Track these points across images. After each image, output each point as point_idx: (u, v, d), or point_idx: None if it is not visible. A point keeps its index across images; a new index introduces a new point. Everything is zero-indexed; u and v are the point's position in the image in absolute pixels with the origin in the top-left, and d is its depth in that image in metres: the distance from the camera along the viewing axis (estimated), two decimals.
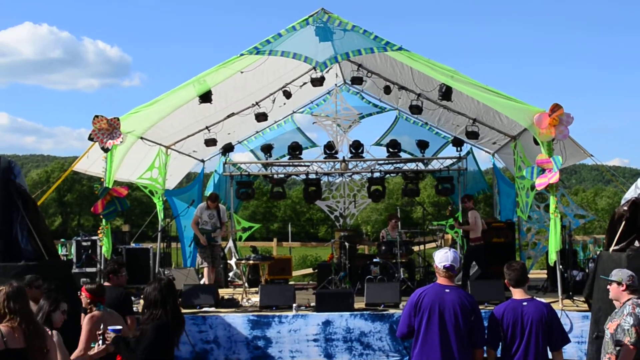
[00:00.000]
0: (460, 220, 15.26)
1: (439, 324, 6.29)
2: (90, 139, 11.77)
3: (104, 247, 11.77)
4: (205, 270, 14.29)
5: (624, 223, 9.80)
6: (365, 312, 11.11)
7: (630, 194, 10.13)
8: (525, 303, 6.53)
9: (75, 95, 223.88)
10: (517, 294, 6.64)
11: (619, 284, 6.77)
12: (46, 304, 6.89)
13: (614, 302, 6.88)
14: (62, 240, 16.16)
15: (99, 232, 12.02)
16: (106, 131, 11.66)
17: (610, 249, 9.84)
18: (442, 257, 6.50)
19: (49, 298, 7.00)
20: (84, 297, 7.71)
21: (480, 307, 11.03)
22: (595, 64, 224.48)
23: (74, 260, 13.68)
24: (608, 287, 6.96)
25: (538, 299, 6.93)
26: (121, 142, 11.75)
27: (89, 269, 13.40)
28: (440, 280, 6.52)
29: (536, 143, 11.56)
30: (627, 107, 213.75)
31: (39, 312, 6.77)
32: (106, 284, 8.66)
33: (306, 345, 10.93)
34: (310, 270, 22.40)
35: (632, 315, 6.48)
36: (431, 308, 6.33)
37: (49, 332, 6.44)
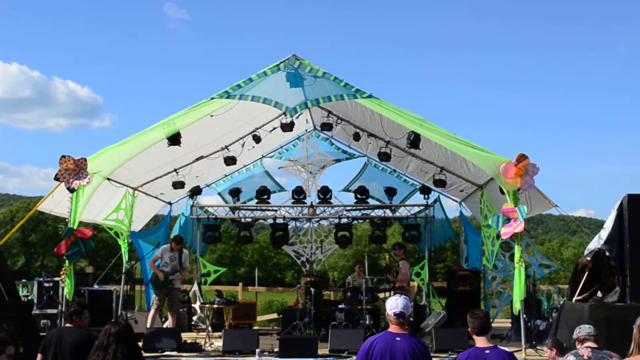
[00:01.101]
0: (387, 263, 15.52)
1: None
2: (57, 179, 11.69)
3: (66, 288, 11.62)
4: (151, 312, 13.98)
5: (587, 273, 9.91)
6: (329, 358, 11.06)
7: (593, 245, 10.26)
8: (487, 351, 6.52)
9: (44, 135, 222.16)
10: (480, 342, 6.64)
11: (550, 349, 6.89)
12: None
13: None
14: (24, 280, 15.89)
15: (61, 273, 11.88)
16: (73, 171, 11.59)
17: (574, 299, 9.93)
18: (393, 305, 6.49)
19: None
20: None
21: (444, 355, 11.11)
22: (562, 116, 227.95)
23: (35, 301, 13.47)
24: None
25: (501, 347, 6.94)
26: (87, 182, 11.68)
27: (50, 311, 13.19)
28: (392, 328, 6.49)
29: (502, 192, 11.67)
30: (594, 159, 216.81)
31: None
32: (68, 325, 8.53)
33: None
34: (275, 316, 22.24)
35: None
36: (382, 357, 6.30)
37: None
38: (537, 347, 11.63)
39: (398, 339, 6.38)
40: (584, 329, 6.93)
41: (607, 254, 9.85)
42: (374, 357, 6.33)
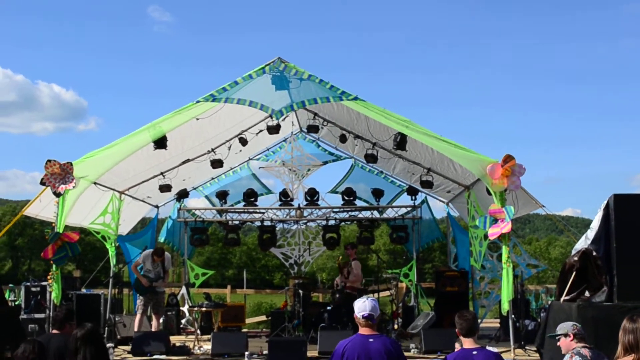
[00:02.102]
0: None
1: None
2: (42, 183, 11.65)
3: (54, 292, 11.58)
4: (137, 316, 13.96)
5: (574, 273, 9.94)
6: None
7: (580, 245, 10.29)
8: (475, 352, 6.53)
9: (29, 138, 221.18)
10: (467, 343, 6.65)
11: (566, 335, 6.82)
12: None
13: None
14: (11, 285, 15.86)
15: (48, 277, 11.83)
16: (58, 176, 11.55)
17: (562, 299, 9.96)
18: (361, 307, 6.48)
19: None
20: None
21: (433, 356, 11.14)
22: (548, 115, 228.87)
23: (22, 305, 13.42)
24: (558, 344, 6.99)
25: (489, 348, 6.95)
26: (74, 186, 11.64)
27: (37, 315, 13.15)
28: (362, 330, 6.49)
29: (489, 193, 11.71)
30: (580, 159, 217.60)
31: None
32: (54, 331, 8.48)
33: None
34: (264, 318, 22.21)
35: None
36: (357, 359, 6.30)
37: None
38: (526, 347, 11.67)
39: (371, 340, 6.37)
40: (573, 325, 6.92)
41: (594, 253, 9.88)
42: (350, 356, 6.33)
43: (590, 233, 10.16)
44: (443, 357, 9.83)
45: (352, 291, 14.75)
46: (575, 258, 9.98)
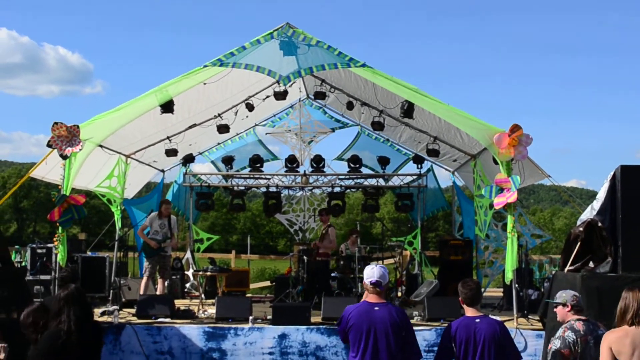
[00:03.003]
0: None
1: (372, 343, 6.28)
2: (49, 145, 11.62)
3: (59, 255, 11.61)
4: (144, 280, 14.03)
5: (579, 244, 9.94)
6: (321, 326, 11.10)
7: (585, 215, 10.28)
8: (478, 320, 6.57)
9: (35, 101, 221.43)
10: (470, 311, 6.68)
11: (564, 305, 6.84)
12: None
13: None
14: (17, 247, 15.91)
15: (54, 239, 11.86)
16: (65, 138, 11.52)
17: (566, 269, 9.97)
18: (369, 273, 6.49)
19: None
20: None
21: (436, 324, 11.18)
22: (555, 86, 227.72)
23: (28, 267, 13.49)
24: (554, 309, 7.02)
25: (492, 316, 6.99)
26: (80, 149, 11.62)
27: (43, 277, 13.21)
28: (370, 297, 6.50)
29: (495, 162, 11.67)
30: (585, 130, 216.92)
31: None
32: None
33: (261, 358, 10.88)
34: (268, 283, 22.33)
35: (560, 339, 6.57)
36: (361, 327, 6.32)
37: None
38: (529, 317, 11.71)
39: (376, 308, 6.39)
40: (573, 296, 6.94)
41: (600, 224, 9.87)
42: (353, 327, 6.35)
43: (596, 204, 10.14)
44: (446, 324, 9.86)
45: (325, 257, 15.11)
46: (581, 229, 9.97)
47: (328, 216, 16.16)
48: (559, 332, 6.65)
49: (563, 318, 6.86)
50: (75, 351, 6.16)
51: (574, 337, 6.53)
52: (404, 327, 6.39)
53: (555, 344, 6.57)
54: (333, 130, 18.07)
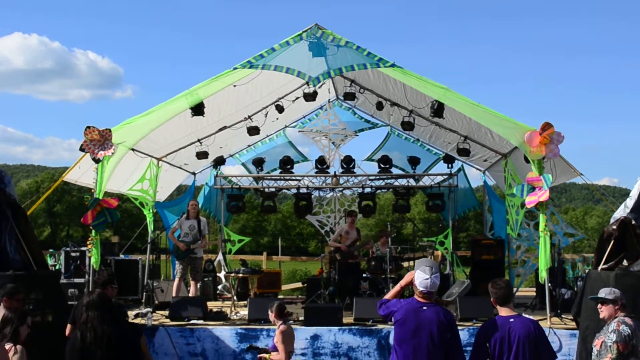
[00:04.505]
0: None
1: (418, 342, 6.29)
2: (82, 149, 11.74)
3: (93, 258, 11.72)
4: (175, 281, 14.15)
5: (612, 242, 9.84)
6: (353, 327, 11.10)
7: (619, 213, 10.18)
8: (512, 319, 6.53)
9: (66, 106, 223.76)
10: (504, 311, 6.65)
11: (615, 302, 6.83)
12: (15, 318, 6.71)
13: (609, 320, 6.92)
14: (51, 250, 16.05)
15: (88, 243, 11.98)
16: (98, 142, 11.64)
17: (599, 268, 9.88)
18: (423, 283, 6.45)
19: (16, 312, 6.86)
20: None
21: (469, 323, 11.13)
22: (586, 85, 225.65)
23: (62, 270, 13.61)
24: (601, 306, 6.97)
25: (525, 315, 6.95)
26: (112, 153, 11.72)
27: (77, 280, 13.33)
28: (418, 297, 6.51)
29: (527, 161, 11.60)
30: (617, 128, 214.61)
31: (5, 325, 6.64)
32: None
33: (294, 359, 10.88)
34: (299, 285, 22.38)
35: (615, 332, 6.56)
36: (408, 325, 6.33)
37: (12, 348, 6.43)
38: (562, 316, 11.62)
39: (425, 308, 6.41)
40: (622, 294, 6.93)
41: (633, 222, 9.78)
42: (400, 322, 6.39)
43: (630, 201, 10.04)
44: (479, 324, 9.83)
45: (355, 259, 15.19)
46: (614, 226, 9.87)
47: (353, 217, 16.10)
48: (612, 326, 6.64)
49: (610, 315, 6.85)
50: (96, 355, 6.15)
51: (629, 331, 6.54)
52: (450, 330, 6.40)
53: (611, 337, 6.56)
54: (356, 133, 18.01)
